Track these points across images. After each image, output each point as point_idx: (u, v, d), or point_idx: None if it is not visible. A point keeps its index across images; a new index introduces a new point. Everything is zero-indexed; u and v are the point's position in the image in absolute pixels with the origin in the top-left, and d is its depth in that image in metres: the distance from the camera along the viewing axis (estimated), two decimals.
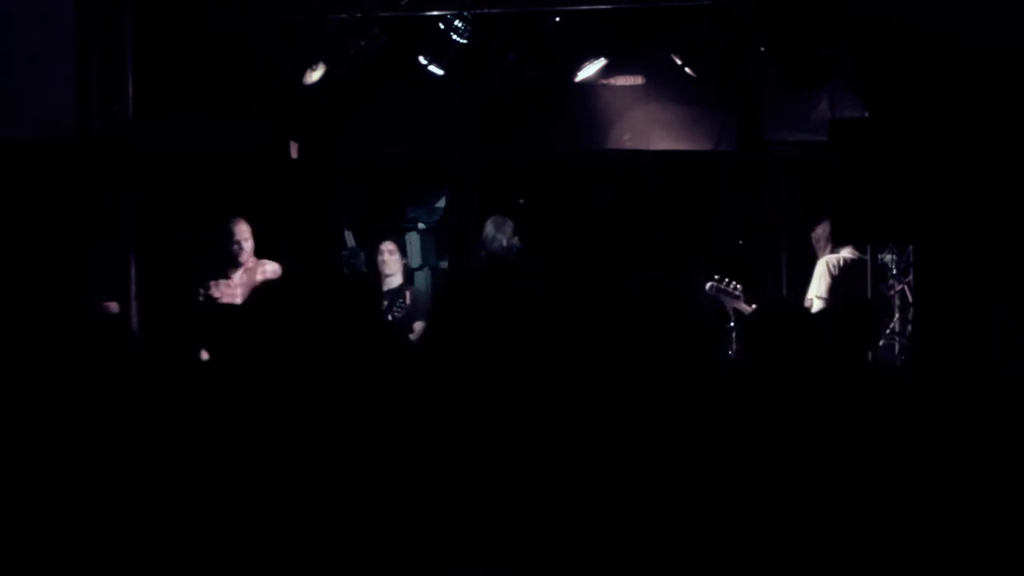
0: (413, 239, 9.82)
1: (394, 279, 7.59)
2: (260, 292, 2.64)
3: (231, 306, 6.36)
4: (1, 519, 2.51)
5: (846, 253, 7.20)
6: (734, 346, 7.01)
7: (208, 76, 8.05)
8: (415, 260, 9.77)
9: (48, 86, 7.45)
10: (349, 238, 9.52)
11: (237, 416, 2.53)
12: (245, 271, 7.19)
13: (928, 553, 2.67)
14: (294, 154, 8.07)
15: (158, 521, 2.44)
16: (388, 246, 7.63)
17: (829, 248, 7.26)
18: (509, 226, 7.66)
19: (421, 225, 9.93)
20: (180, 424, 2.60)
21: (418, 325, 7.54)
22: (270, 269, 7.21)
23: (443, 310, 2.52)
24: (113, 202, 7.56)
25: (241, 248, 7.19)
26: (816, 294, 7.08)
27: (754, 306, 6.99)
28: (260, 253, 7.34)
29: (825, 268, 7.14)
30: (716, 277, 7.12)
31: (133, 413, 2.70)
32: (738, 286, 7.09)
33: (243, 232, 7.22)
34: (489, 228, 7.65)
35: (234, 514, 2.40)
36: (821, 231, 7.31)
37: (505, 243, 7.52)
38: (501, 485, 2.37)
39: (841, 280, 7.08)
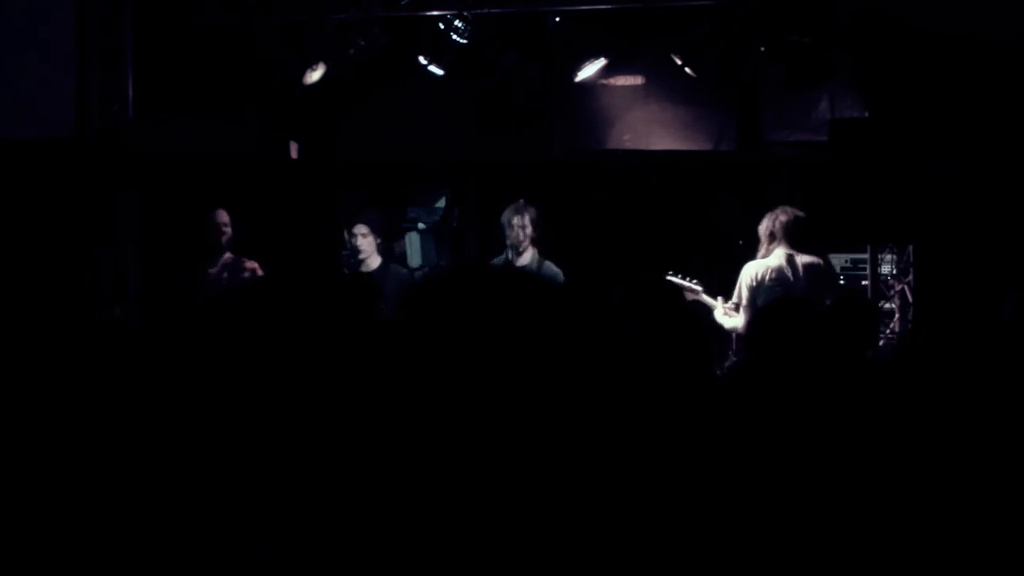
0: (413, 239, 9.82)
1: (371, 260, 7.46)
2: (257, 292, 2.64)
3: (225, 304, 6.33)
4: (2, 521, 2.51)
5: (774, 259, 6.71)
6: (734, 346, 7.01)
7: (208, 76, 8.06)
8: (415, 260, 9.77)
9: (47, 86, 7.46)
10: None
11: (237, 418, 2.53)
12: (225, 266, 7.18)
13: (931, 552, 2.67)
14: (294, 154, 8.07)
15: (158, 523, 2.44)
16: (360, 229, 7.46)
17: (764, 249, 6.80)
18: (526, 216, 7.17)
19: (421, 225, 9.92)
20: (179, 426, 2.60)
21: None
22: (249, 267, 7.19)
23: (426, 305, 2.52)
24: (113, 202, 7.57)
25: (223, 233, 7.18)
26: (734, 301, 6.76)
27: (720, 298, 6.83)
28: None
29: (742, 275, 6.74)
30: (671, 272, 6.84)
31: (133, 415, 2.70)
32: (695, 282, 6.85)
33: (224, 218, 7.24)
34: (504, 216, 7.33)
35: (235, 517, 2.40)
36: (763, 227, 6.81)
37: (515, 232, 7.19)
38: (499, 485, 2.37)
39: (758, 291, 6.63)
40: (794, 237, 6.70)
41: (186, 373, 2.77)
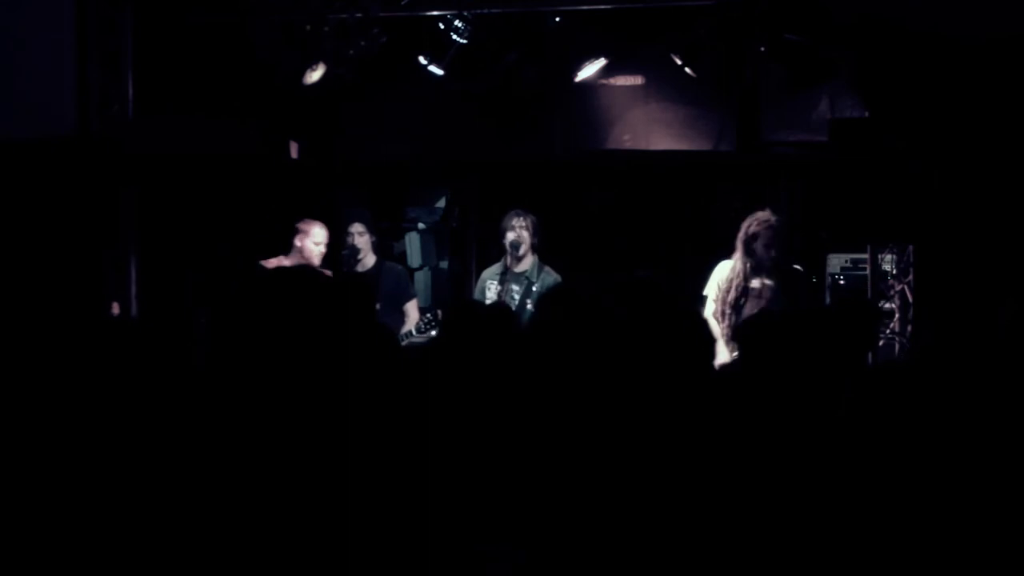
0: (413, 239, 9.82)
1: (367, 259, 7.59)
2: (256, 293, 2.64)
3: (229, 304, 6.34)
4: (7, 519, 2.51)
5: None
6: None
7: (208, 76, 8.05)
8: (415, 260, 9.77)
9: (48, 86, 7.46)
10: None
11: (238, 418, 2.52)
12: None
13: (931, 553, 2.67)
14: (294, 154, 8.07)
15: (161, 522, 2.44)
16: (357, 228, 7.62)
17: None
18: (527, 221, 7.22)
19: (421, 225, 9.92)
20: (181, 426, 2.60)
21: (410, 305, 7.54)
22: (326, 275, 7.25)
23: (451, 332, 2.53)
24: (113, 202, 7.57)
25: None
26: None
27: None
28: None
29: None
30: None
31: (136, 415, 2.69)
32: None
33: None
34: (504, 222, 7.37)
35: (239, 514, 2.40)
36: None
37: (516, 236, 7.22)
38: (498, 483, 2.37)
39: None
40: None
41: (186, 373, 2.76)
